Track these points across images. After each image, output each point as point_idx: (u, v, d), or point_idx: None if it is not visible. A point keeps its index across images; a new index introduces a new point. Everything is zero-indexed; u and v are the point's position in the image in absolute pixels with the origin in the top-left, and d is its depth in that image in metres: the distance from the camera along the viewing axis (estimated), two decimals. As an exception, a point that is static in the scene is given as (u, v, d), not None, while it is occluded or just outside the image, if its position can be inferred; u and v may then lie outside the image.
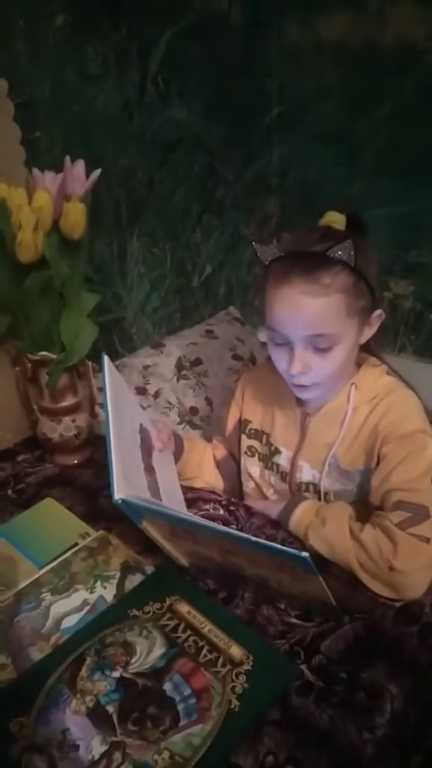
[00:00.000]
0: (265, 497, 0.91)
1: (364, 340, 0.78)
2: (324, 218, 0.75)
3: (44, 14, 1.29)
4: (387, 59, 1.45)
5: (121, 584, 0.72)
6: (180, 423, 1.22)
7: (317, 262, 0.70)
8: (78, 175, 0.86)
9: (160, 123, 1.50)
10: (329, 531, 0.74)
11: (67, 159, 0.85)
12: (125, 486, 0.64)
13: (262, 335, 0.80)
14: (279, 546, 0.58)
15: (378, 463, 0.77)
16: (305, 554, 0.55)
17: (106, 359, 0.74)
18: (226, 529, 0.64)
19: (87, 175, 0.86)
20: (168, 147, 1.52)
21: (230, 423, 0.96)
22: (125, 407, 0.77)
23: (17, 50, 1.22)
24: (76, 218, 0.84)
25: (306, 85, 1.57)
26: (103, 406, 0.70)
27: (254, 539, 0.59)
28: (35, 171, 0.86)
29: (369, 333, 0.78)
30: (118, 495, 0.63)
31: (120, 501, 0.63)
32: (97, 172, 0.87)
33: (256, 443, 0.92)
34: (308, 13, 1.54)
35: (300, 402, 0.84)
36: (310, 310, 0.71)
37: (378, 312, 0.77)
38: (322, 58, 1.54)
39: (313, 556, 0.57)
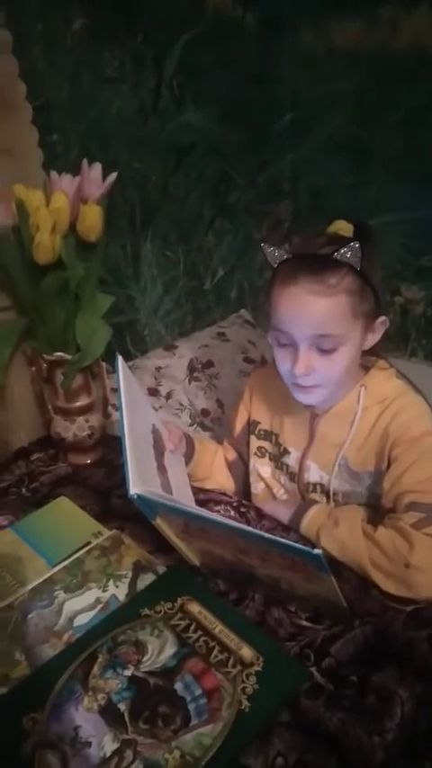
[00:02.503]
0: (275, 498, 0.92)
1: (368, 346, 0.79)
2: (332, 226, 0.76)
3: (62, 18, 1.31)
4: (399, 66, 1.45)
5: (133, 584, 0.72)
6: (191, 424, 1.23)
7: (324, 263, 0.71)
8: (95, 178, 0.87)
9: (174, 128, 1.51)
10: (341, 531, 0.74)
11: (84, 162, 0.86)
12: (140, 482, 0.65)
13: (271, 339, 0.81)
14: (292, 543, 0.59)
15: (389, 466, 0.78)
16: (318, 551, 0.56)
17: (120, 359, 0.75)
18: (240, 525, 0.65)
19: (103, 178, 0.87)
20: (182, 151, 1.53)
21: (238, 424, 0.97)
22: (138, 408, 0.77)
23: (35, 54, 1.24)
24: (92, 221, 0.85)
25: (319, 92, 1.58)
26: (118, 405, 0.71)
27: (267, 535, 0.60)
28: (53, 173, 0.87)
29: (373, 339, 0.79)
30: (133, 490, 0.63)
31: (135, 496, 0.64)
32: (114, 175, 0.88)
33: (266, 444, 0.93)
34: (321, 20, 1.54)
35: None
36: (316, 309, 0.72)
37: (382, 319, 0.78)
38: (335, 65, 1.55)
39: (325, 556, 0.57)
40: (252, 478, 0.95)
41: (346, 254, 0.70)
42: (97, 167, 0.87)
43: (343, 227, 0.75)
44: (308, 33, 1.55)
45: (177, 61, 1.47)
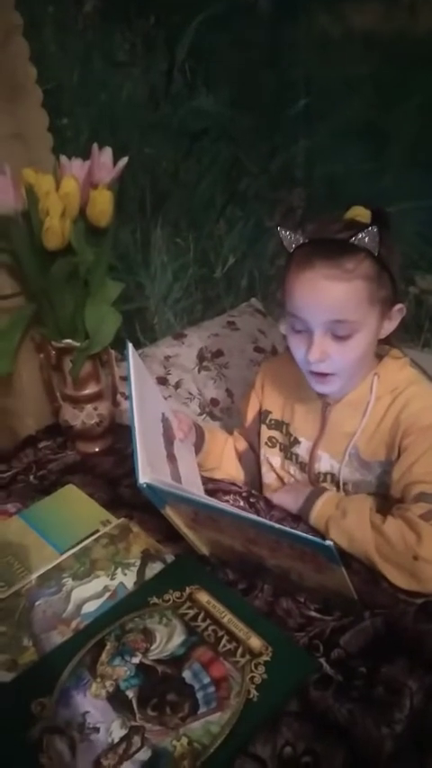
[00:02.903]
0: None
1: (384, 334, 0.78)
2: (350, 212, 0.76)
3: (73, 1, 1.29)
4: (417, 51, 1.42)
5: (141, 572, 0.72)
6: (200, 414, 1.22)
7: (341, 248, 0.71)
8: (105, 163, 0.86)
9: (186, 112, 1.49)
10: (350, 522, 0.73)
11: (95, 147, 0.85)
12: (150, 470, 0.64)
13: (283, 328, 0.80)
14: (303, 534, 0.58)
15: (399, 455, 0.77)
16: (329, 542, 0.55)
17: (131, 347, 0.75)
18: (250, 515, 0.64)
19: (114, 163, 0.86)
20: (194, 136, 1.51)
21: (250, 414, 0.96)
22: (148, 396, 0.77)
23: (46, 37, 1.23)
24: (102, 206, 0.84)
25: (334, 76, 1.56)
26: (128, 393, 0.70)
27: (277, 526, 0.59)
28: (63, 158, 0.86)
29: (390, 327, 0.78)
30: (143, 479, 0.63)
31: (144, 485, 0.63)
32: (124, 160, 0.87)
33: (276, 434, 0.92)
34: (337, 2, 1.52)
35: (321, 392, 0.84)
36: (331, 295, 0.71)
37: (399, 306, 0.77)
38: (351, 49, 1.52)
39: (336, 548, 0.57)
40: (264, 468, 0.94)
41: (364, 239, 0.69)
42: (108, 152, 0.86)
43: (360, 213, 0.74)
44: (323, 15, 1.53)
45: (189, 44, 1.45)
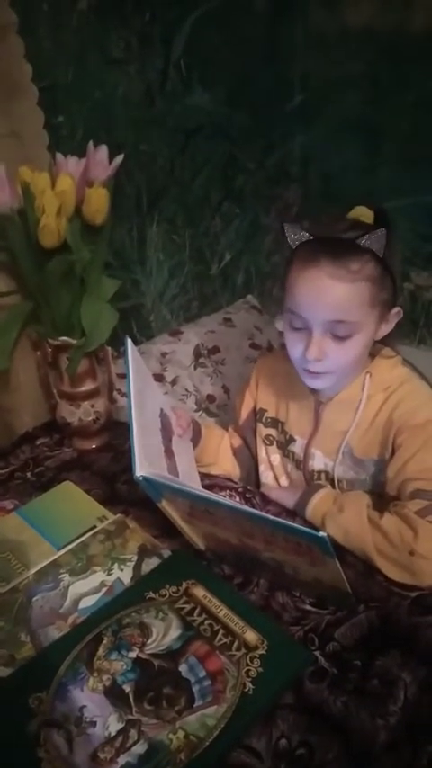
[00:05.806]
0: (280, 486, 0.92)
1: (380, 336, 0.78)
2: (353, 212, 0.75)
3: (68, -2, 1.29)
4: (413, 47, 1.42)
5: (137, 567, 0.72)
6: (197, 410, 1.22)
7: (347, 248, 0.70)
8: (101, 161, 0.86)
9: (182, 109, 1.49)
10: (347, 517, 0.74)
11: (91, 144, 0.85)
12: (147, 464, 0.65)
13: (280, 324, 0.80)
14: (297, 525, 0.59)
15: (393, 453, 0.77)
16: (323, 533, 0.56)
17: (130, 342, 0.75)
18: (245, 507, 0.65)
19: (110, 161, 0.87)
20: (190, 133, 1.51)
21: (244, 411, 0.96)
22: (147, 391, 0.77)
23: (41, 34, 1.23)
24: (98, 204, 0.84)
25: (330, 73, 1.55)
26: (126, 387, 0.70)
27: (272, 518, 0.60)
28: (58, 156, 0.86)
29: (386, 329, 0.78)
30: (139, 472, 0.64)
31: (141, 478, 0.64)
32: (120, 157, 0.87)
33: (273, 432, 0.92)
34: (333, -1, 1.51)
35: (313, 390, 0.84)
36: (334, 294, 0.71)
37: (396, 309, 0.77)
38: (347, 45, 1.52)
39: (330, 540, 0.57)
40: (262, 467, 0.95)
41: (372, 240, 0.69)
42: (103, 149, 0.86)
43: (364, 214, 0.74)
44: (319, 11, 1.52)
45: (185, 41, 1.45)
